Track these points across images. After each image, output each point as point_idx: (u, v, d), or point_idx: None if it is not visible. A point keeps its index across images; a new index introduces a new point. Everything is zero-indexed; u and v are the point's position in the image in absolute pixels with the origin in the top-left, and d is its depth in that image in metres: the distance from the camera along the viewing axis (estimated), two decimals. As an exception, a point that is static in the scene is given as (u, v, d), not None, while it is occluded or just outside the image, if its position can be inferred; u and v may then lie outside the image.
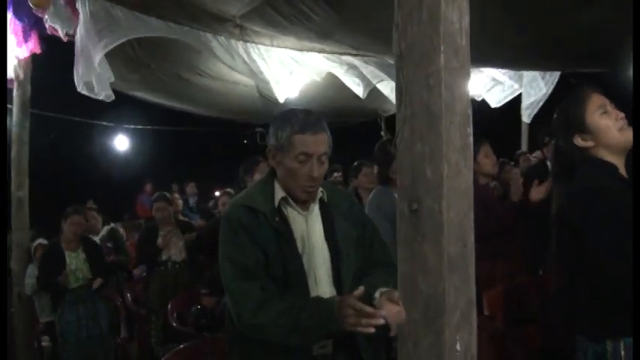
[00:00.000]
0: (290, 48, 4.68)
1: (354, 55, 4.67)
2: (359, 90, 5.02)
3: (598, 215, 1.77)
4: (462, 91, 1.10)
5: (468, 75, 1.11)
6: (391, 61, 4.32)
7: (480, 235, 3.61)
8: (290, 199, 2.06)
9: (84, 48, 3.61)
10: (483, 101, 5.93)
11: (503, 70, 5.47)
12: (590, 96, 1.93)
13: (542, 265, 3.85)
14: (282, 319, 1.88)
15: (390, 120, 6.96)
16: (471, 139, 1.10)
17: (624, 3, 3.48)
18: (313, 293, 2.00)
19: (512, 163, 5.96)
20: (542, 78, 5.75)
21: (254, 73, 5.65)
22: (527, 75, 5.81)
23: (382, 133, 6.76)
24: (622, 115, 1.88)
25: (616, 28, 4.02)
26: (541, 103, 5.89)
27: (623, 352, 1.77)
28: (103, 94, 3.74)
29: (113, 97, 3.82)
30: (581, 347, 1.85)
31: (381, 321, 1.65)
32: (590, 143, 1.89)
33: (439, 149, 1.07)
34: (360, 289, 1.83)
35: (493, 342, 2.54)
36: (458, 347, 1.07)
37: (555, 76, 5.92)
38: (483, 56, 4.57)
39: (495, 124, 7.41)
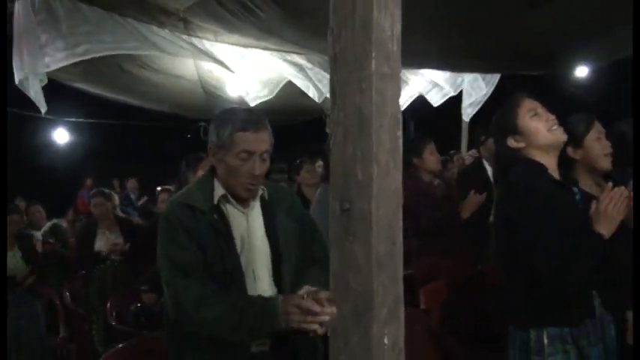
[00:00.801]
0: (234, 44, 4.66)
1: (299, 54, 4.70)
2: (314, 94, 5.05)
3: (525, 212, 1.88)
4: (392, 95, 1.14)
5: (398, 80, 1.15)
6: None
7: (424, 232, 3.73)
8: (230, 197, 2.08)
9: (20, 39, 3.49)
10: (423, 99, 6.09)
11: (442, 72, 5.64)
12: (522, 100, 2.08)
13: (480, 260, 4.01)
14: (225, 316, 1.90)
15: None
16: (401, 141, 1.14)
17: (571, 6, 3.64)
18: (252, 292, 2.03)
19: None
20: (483, 79, 5.96)
21: (200, 68, 5.60)
22: (469, 75, 6.00)
23: (328, 131, 6.82)
24: (552, 117, 2.02)
25: (561, 32, 4.20)
26: (481, 103, 6.10)
27: (546, 341, 1.89)
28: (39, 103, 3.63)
29: (45, 108, 3.70)
30: (511, 335, 1.97)
31: (327, 318, 1.69)
32: (521, 144, 2.03)
33: (369, 151, 1.10)
34: (306, 288, 1.87)
35: (429, 335, 2.63)
36: (385, 341, 1.11)
37: (496, 76, 6.14)
38: (426, 58, 4.68)
39: (438, 123, 7.61)
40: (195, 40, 4.62)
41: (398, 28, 1.15)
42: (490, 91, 5.94)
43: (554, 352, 1.89)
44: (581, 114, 2.55)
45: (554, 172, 2.00)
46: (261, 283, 2.07)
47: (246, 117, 2.01)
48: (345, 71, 1.15)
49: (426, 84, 5.92)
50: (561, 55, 5.02)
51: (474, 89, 5.90)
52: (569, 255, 1.81)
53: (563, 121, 2.55)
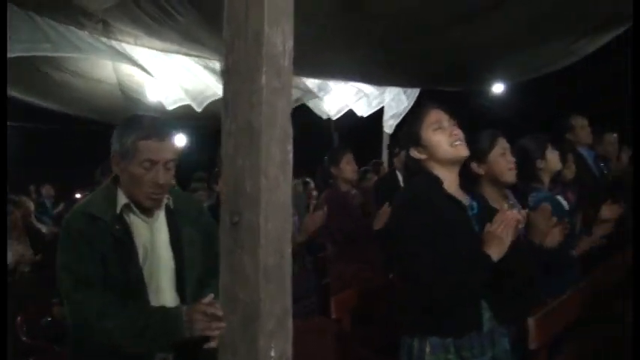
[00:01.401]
0: (155, 49, 4.57)
1: (220, 60, 4.66)
2: None
3: (409, 223, 1.92)
4: (283, 109, 1.16)
5: (289, 95, 1.17)
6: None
7: (339, 240, 3.76)
8: (133, 206, 2.03)
9: None
10: (349, 111, 6.19)
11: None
12: (428, 112, 2.10)
13: (392, 269, 4.08)
14: (128, 326, 1.85)
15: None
16: (291, 155, 1.16)
17: (494, 23, 3.80)
18: (154, 303, 1.98)
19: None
20: (405, 92, 6.12)
21: (119, 71, 5.45)
22: (392, 88, 6.15)
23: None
24: (456, 131, 2.04)
25: (478, 50, 4.38)
26: (402, 116, 6.25)
27: (427, 349, 1.93)
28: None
29: None
30: (402, 343, 2.01)
31: None
32: (423, 156, 2.06)
33: (259, 164, 1.11)
34: (210, 297, 1.85)
35: (339, 344, 2.66)
36: (272, 353, 1.12)
37: (417, 90, 6.32)
38: (350, 71, 4.76)
39: (361, 134, 7.77)
40: (115, 43, 4.50)
41: (290, 43, 1.17)
42: (411, 104, 6.11)
43: None
44: (486, 130, 2.64)
45: (451, 185, 2.04)
46: (164, 294, 2.02)
47: (150, 125, 1.97)
48: (238, 83, 1.16)
49: (354, 95, 6.01)
50: (478, 72, 5.24)
51: (396, 102, 6.06)
52: (451, 269, 1.84)
53: (474, 137, 2.65)
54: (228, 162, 1.16)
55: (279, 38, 1.16)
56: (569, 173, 3.43)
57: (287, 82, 1.16)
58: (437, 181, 2.00)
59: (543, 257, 2.48)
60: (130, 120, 2.02)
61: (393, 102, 6.09)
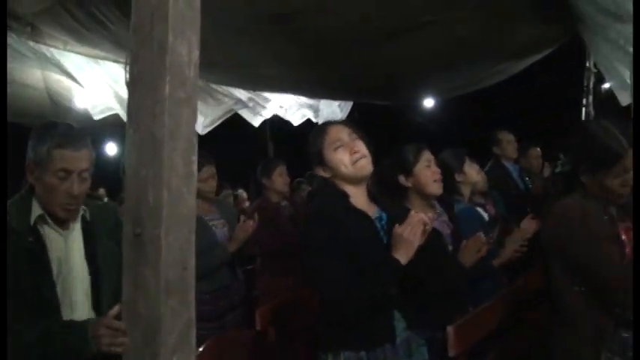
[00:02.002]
0: (84, 55, 4.45)
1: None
2: None
3: (315, 238, 1.91)
4: (187, 120, 1.15)
5: (194, 105, 1.16)
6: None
7: (268, 253, 3.73)
8: (48, 218, 1.96)
9: None
10: (286, 121, 6.18)
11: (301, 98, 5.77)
12: (327, 130, 2.06)
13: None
14: (38, 342, 1.78)
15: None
16: (195, 166, 1.14)
17: (421, 42, 3.89)
18: (68, 318, 1.91)
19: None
20: (338, 105, 6.18)
21: (48, 76, 5.27)
22: (324, 102, 6.19)
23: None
24: (358, 147, 2.01)
25: (412, 64, 4.47)
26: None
27: None
28: None
29: None
30: (318, 358, 2.01)
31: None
32: (328, 174, 2.04)
33: (161, 175, 1.10)
34: (116, 309, 1.79)
35: (264, 356, 2.64)
36: (174, 368, 1.10)
37: (349, 104, 6.38)
38: (281, 84, 4.76)
39: (296, 144, 7.77)
40: (43, 48, 4.35)
41: (196, 54, 1.16)
42: (345, 116, 6.16)
43: None
44: (411, 144, 2.69)
45: (358, 200, 2.02)
46: (79, 309, 1.95)
47: (65, 133, 1.90)
48: (142, 93, 1.14)
49: (288, 106, 6.01)
50: (408, 88, 5.36)
51: (329, 114, 6.11)
52: (359, 281, 1.85)
53: (399, 151, 2.68)
54: (131, 173, 1.14)
55: (185, 49, 1.15)
56: (482, 184, 3.49)
57: (192, 93, 1.16)
58: (343, 196, 1.99)
59: (464, 271, 2.54)
60: (45, 127, 1.95)
61: (326, 114, 6.12)
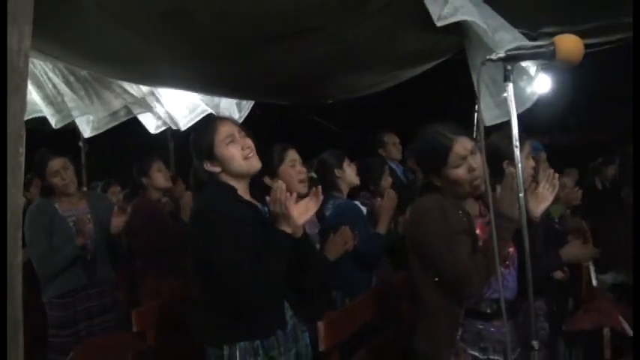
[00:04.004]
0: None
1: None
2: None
3: (212, 233, 1.94)
4: (15, 111, 1.11)
5: (24, 96, 1.12)
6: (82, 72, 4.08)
7: (148, 252, 3.63)
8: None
9: None
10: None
11: (200, 95, 5.64)
12: (219, 126, 2.11)
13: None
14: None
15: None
16: (23, 159, 1.11)
17: (315, 44, 3.91)
18: None
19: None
20: (238, 105, 6.13)
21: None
22: (225, 100, 6.11)
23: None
24: (249, 143, 2.09)
25: (308, 66, 4.48)
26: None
27: (238, 355, 1.96)
28: None
29: None
30: (208, 354, 2.01)
31: None
32: (217, 169, 2.07)
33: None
34: None
35: (140, 359, 2.57)
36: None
37: (250, 102, 6.35)
38: (175, 81, 4.66)
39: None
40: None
41: (26, 44, 1.13)
42: (245, 115, 6.13)
43: None
44: (277, 144, 2.72)
45: (244, 194, 2.10)
46: None
47: None
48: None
49: (185, 106, 5.87)
50: (307, 88, 5.39)
51: (229, 113, 6.05)
52: (255, 268, 1.91)
53: (265, 151, 2.72)
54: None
55: (15, 37, 1.11)
56: (386, 184, 3.71)
57: (22, 83, 1.12)
58: (232, 190, 2.05)
59: (329, 265, 2.64)
60: None
61: (227, 112, 6.05)
